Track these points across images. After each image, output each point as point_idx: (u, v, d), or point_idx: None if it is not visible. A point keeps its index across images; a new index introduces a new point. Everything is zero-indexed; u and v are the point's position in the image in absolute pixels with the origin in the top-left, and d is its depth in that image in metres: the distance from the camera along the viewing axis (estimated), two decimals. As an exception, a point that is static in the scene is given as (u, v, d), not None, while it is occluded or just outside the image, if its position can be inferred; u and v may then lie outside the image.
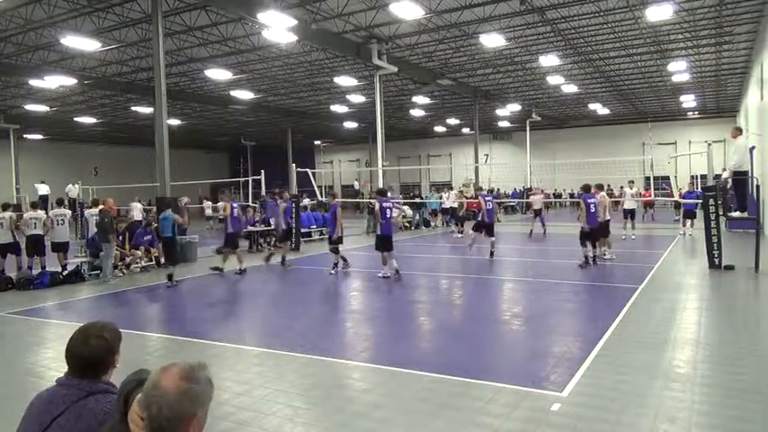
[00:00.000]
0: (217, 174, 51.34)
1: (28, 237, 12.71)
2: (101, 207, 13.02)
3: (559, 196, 39.25)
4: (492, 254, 13.91)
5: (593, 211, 12.25)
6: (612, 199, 17.91)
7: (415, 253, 16.14)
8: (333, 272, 12.43)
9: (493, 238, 14.11)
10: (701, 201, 13.53)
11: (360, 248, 16.99)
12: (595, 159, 25.63)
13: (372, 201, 21.41)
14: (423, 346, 7.07)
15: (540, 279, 11.49)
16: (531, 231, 20.00)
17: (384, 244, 11.72)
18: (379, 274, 11.69)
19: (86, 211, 15.65)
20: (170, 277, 11.40)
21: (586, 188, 12.76)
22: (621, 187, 21.57)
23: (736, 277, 10.63)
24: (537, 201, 21.38)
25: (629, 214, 17.91)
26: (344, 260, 12.79)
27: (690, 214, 18.55)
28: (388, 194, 15.27)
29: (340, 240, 12.64)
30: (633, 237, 17.68)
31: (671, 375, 5.37)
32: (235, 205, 13.47)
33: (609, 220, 13.54)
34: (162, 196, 15.00)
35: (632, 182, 19.52)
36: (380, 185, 23.98)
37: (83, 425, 1.79)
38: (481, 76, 28.32)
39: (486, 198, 14.53)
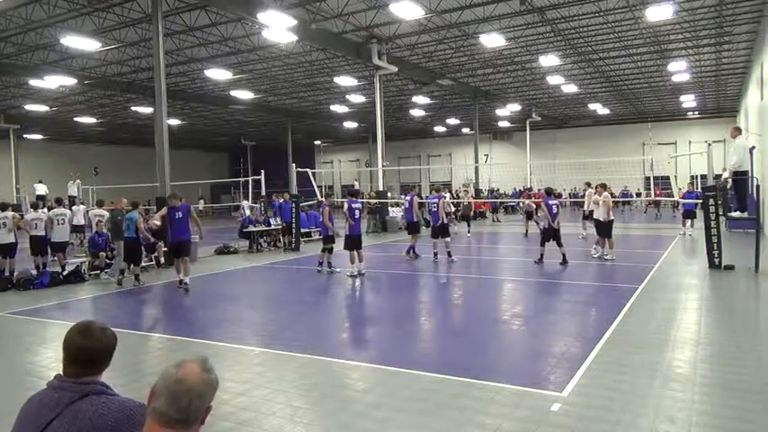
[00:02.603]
0: (217, 174, 51.38)
1: (31, 237, 12.73)
2: (113, 207, 13.06)
3: (559, 196, 39.26)
4: (449, 254, 13.85)
5: (555, 211, 13.08)
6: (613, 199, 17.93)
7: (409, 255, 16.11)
8: (331, 270, 12.50)
9: (448, 239, 14.13)
10: (700, 201, 13.54)
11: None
12: (595, 159, 25.64)
13: (371, 201, 21.33)
14: (423, 346, 7.06)
15: (539, 279, 11.49)
16: (527, 231, 20.05)
17: (353, 243, 11.92)
18: (347, 273, 11.89)
19: (90, 212, 15.66)
20: (121, 275, 11.56)
21: (549, 191, 13.95)
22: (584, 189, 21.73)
23: (736, 277, 10.63)
24: (528, 205, 21.54)
25: (591, 216, 18.05)
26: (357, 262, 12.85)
27: (689, 214, 18.57)
28: (388, 194, 15.09)
29: (332, 240, 12.67)
30: (581, 237, 17.78)
31: (671, 375, 5.37)
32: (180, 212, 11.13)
33: (612, 221, 13.57)
34: (162, 196, 15.00)
35: (589, 184, 19.71)
36: (380, 185, 24.04)
37: (77, 428, 1.75)
38: (481, 76, 28.33)
39: (432, 201, 14.23)
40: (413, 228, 14.79)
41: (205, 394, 1.59)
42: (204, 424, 1.62)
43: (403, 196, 15.09)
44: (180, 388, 1.55)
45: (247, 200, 28.11)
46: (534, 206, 21.96)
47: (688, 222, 18.51)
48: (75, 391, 1.83)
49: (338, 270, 12.46)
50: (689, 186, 21.61)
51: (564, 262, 12.71)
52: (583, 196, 20.22)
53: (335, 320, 8.57)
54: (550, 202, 13.25)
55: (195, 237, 12.10)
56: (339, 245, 12.66)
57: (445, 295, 10.68)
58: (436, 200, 14.20)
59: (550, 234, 12.96)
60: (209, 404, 1.61)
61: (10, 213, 12.57)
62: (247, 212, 25.67)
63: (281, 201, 18.50)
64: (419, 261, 14.07)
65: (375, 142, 24.94)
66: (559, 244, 12.88)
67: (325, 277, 12.18)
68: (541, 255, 12.91)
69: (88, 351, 1.89)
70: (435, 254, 13.96)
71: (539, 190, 33.81)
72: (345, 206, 12.19)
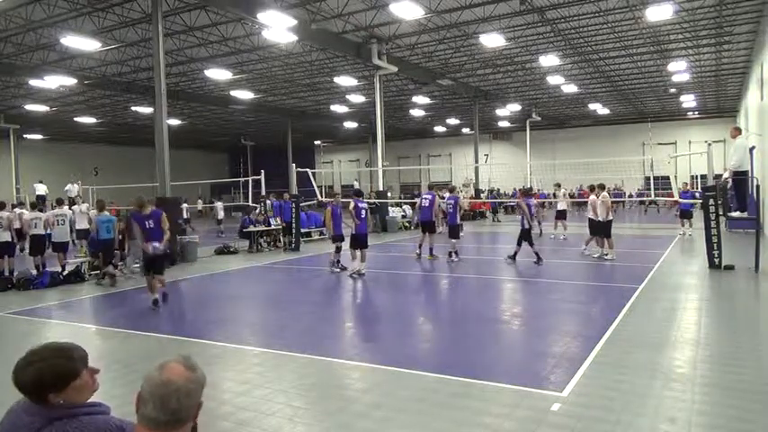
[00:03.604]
0: (217, 174, 51.38)
1: (31, 237, 12.73)
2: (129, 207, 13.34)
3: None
4: (450, 254, 13.85)
5: (533, 212, 13.62)
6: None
7: (415, 253, 16.11)
8: (331, 269, 12.51)
9: (454, 240, 14.07)
10: (698, 201, 13.56)
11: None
12: (595, 159, 25.65)
13: (372, 201, 21.31)
14: (423, 346, 7.06)
15: (539, 279, 11.48)
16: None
17: (358, 243, 11.96)
18: (347, 273, 11.95)
19: (91, 212, 15.64)
20: (109, 276, 11.76)
21: (526, 191, 14.57)
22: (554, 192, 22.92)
23: (736, 277, 10.62)
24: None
25: (561, 215, 18.70)
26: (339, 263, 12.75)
27: (686, 214, 18.57)
28: (388, 194, 15.03)
29: (341, 239, 12.64)
30: (564, 237, 18.06)
31: (671, 375, 5.37)
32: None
33: (611, 221, 13.59)
34: (162, 196, 15.00)
35: (558, 185, 20.57)
36: (380, 186, 24.05)
37: None
38: (481, 76, 28.32)
39: (448, 201, 14.30)
40: (429, 227, 14.63)
41: (193, 392, 1.57)
42: (197, 422, 1.61)
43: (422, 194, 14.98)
44: (167, 390, 1.53)
45: (221, 201, 28.22)
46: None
47: (686, 222, 18.50)
48: (43, 416, 1.71)
49: (338, 270, 12.48)
50: (684, 186, 21.64)
51: (513, 257, 13.04)
52: (572, 197, 20.79)
53: (335, 320, 8.57)
54: (530, 202, 13.51)
55: (193, 237, 12.20)
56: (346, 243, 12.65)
57: (445, 295, 10.68)
58: (453, 201, 14.31)
59: (527, 233, 13.16)
60: (198, 401, 1.59)
61: (5, 213, 12.59)
62: (221, 214, 25.56)
63: (272, 200, 18.62)
64: (419, 261, 14.07)
65: (375, 142, 24.93)
66: (519, 244, 13.13)
67: (325, 277, 12.18)
68: (537, 254, 12.93)
69: (20, 387, 1.74)
70: (431, 249, 14.06)
71: (538, 190, 33.82)
72: (352, 205, 12.22)
